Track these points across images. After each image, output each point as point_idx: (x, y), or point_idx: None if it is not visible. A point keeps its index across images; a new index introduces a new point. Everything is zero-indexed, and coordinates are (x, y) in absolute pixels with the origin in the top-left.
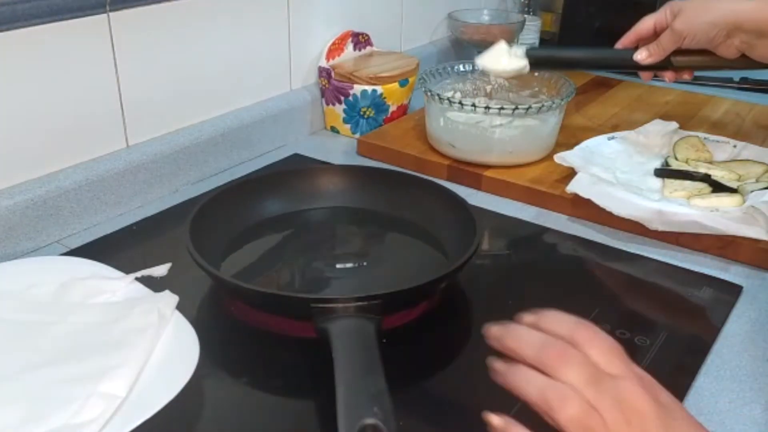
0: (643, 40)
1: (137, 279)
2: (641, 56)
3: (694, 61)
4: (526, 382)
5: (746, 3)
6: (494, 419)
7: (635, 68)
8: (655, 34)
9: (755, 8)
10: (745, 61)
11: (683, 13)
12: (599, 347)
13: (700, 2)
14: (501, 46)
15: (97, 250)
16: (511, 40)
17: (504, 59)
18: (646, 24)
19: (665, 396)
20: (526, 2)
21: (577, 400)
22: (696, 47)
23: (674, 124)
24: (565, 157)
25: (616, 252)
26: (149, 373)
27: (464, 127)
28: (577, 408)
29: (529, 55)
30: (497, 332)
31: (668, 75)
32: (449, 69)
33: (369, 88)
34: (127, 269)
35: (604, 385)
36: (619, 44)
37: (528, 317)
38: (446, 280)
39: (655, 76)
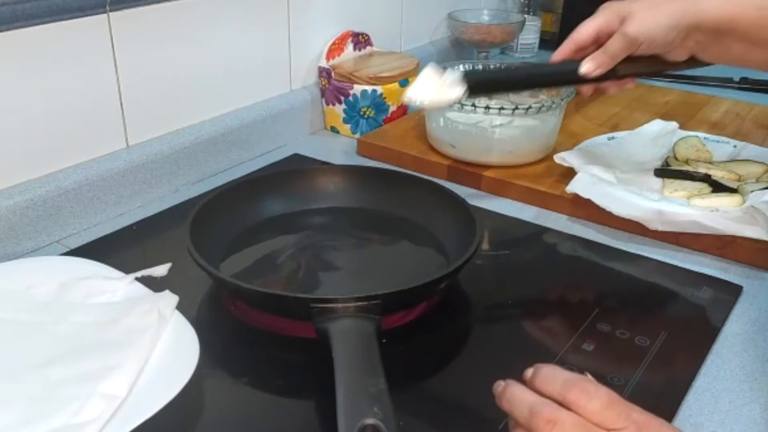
0: (582, 51)
1: (137, 279)
2: (588, 68)
3: (640, 66)
4: None
5: (702, 2)
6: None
7: (578, 83)
8: (597, 42)
9: (713, 6)
10: (690, 62)
11: (635, 16)
12: (592, 404)
13: (649, 3)
14: (427, 74)
15: (97, 250)
16: (511, 40)
17: (433, 89)
18: (586, 30)
19: None
20: (526, 2)
21: None
22: (650, 53)
23: (674, 124)
24: (565, 157)
25: (616, 252)
26: (149, 373)
27: (464, 127)
28: None
29: (469, 79)
30: (497, 391)
31: (612, 87)
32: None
33: (369, 88)
34: (127, 269)
35: None
36: (556, 56)
37: (527, 373)
38: (446, 281)
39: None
